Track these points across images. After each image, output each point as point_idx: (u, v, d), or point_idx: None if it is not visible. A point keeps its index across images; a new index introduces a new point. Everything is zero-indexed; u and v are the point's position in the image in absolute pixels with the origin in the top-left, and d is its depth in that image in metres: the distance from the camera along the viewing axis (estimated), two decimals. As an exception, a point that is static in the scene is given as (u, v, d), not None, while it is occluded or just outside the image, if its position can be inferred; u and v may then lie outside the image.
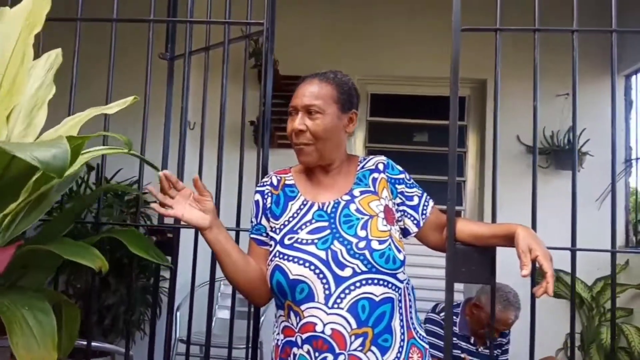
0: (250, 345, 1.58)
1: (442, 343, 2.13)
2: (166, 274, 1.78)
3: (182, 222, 1.22)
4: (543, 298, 1.30)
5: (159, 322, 1.81)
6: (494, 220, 1.40)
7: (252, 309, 1.56)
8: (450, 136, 1.36)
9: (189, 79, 1.66)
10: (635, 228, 3.48)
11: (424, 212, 1.30)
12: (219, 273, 1.66)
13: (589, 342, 3.01)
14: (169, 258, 1.63)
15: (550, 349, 3.10)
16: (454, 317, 2.31)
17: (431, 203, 1.32)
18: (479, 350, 2.36)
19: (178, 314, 2.78)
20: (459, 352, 2.26)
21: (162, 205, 1.19)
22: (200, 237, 1.63)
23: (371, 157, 1.34)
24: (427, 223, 1.30)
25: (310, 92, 1.25)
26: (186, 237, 1.64)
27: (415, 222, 1.29)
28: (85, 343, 1.50)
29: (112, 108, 1.15)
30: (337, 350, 1.12)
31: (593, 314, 3.16)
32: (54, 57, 1.20)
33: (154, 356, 1.65)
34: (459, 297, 3.34)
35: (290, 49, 3.35)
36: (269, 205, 1.29)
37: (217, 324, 3.29)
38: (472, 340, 2.35)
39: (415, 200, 1.30)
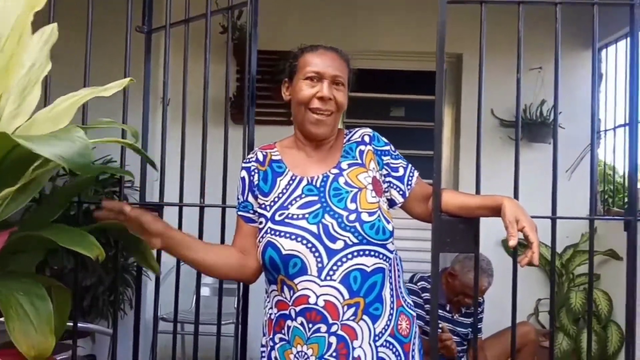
0: (238, 321, 1.60)
1: (421, 310, 2.22)
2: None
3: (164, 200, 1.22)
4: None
5: (135, 302, 1.80)
6: (477, 193, 1.44)
7: (240, 285, 1.58)
8: (436, 109, 1.37)
9: (169, 53, 1.61)
10: (602, 197, 3.63)
11: (409, 182, 1.33)
12: None
13: (559, 306, 3.14)
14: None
15: (521, 314, 3.24)
16: (429, 286, 2.39)
17: (416, 174, 1.35)
18: (454, 317, 2.45)
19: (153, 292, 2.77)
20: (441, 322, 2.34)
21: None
22: (184, 213, 1.65)
23: (357, 129, 1.36)
24: (412, 193, 1.33)
25: (335, 64, 1.26)
26: (170, 214, 1.62)
27: (401, 192, 1.32)
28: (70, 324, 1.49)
29: (109, 90, 1.11)
30: (330, 321, 1.15)
31: (563, 280, 3.30)
32: (49, 32, 1.14)
33: (139, 333, 1.65)
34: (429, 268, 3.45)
35: (266, 23, 3.28)
36: (256, 182, 1.29)
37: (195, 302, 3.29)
38: (447, 308, 2.44)
39: (401, 171, 1.32)
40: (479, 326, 2.49)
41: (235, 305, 3.15)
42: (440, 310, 2.40)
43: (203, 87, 1.62)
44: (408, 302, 1.30)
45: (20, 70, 1.09)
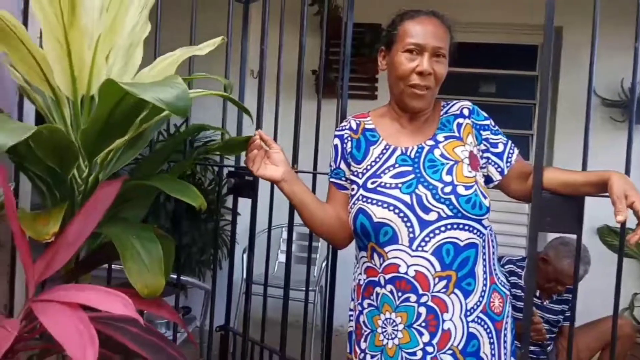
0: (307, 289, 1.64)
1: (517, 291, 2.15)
2: (237, 217, 1.86)
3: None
4: (610, 257, 1.27)
5: (228, 263, 1.92)
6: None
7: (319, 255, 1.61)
8: (541, 83, 1.29)
9: (268, 23, 1.65)
10: None
11: (509, 159, 1.27)
12: (282, 219, 1.76)
13: (657, 302, 2.91)
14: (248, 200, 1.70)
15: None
16: (520, 271, 2.30)
17: (516, 151, 1.28)
18: (544, 303, 2.35)
19: (244, 256, 2.91)
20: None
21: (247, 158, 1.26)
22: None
23: (455, 102, 1.31)
24: (510, 171, 1.27)
25: (438, 34, 1.20)
26: (263, 181, 1.69)
27: (499, 170, 1.27)
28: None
29: (203, 49, 1.17)
30: (420, 291, 1.14)
31: (663, 273, 3.04)
32: None
33: (232, 289, 1.76)
34: (522, 252, 3.32)
35: (355, -5, 3.26)
36: (349, 150, 1.29)
37: (279, 267, 3.43)
38: (537, 294, 2.34)
39: (500, 148, 1.27)
40: (570, 314, 2.37)
41: (315, 274, 3.25)
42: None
43: (298, 59, 1.64)
44: (502, 281, 1.27)
45: (124, 30, 1.16)
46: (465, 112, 1.28)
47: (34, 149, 0.88)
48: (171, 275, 2.19)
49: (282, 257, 3.43)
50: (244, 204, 1.71)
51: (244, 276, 3.04)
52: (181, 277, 1.78)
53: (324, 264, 2.82)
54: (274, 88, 1.69)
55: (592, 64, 1.34)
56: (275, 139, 1.69)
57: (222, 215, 2.84)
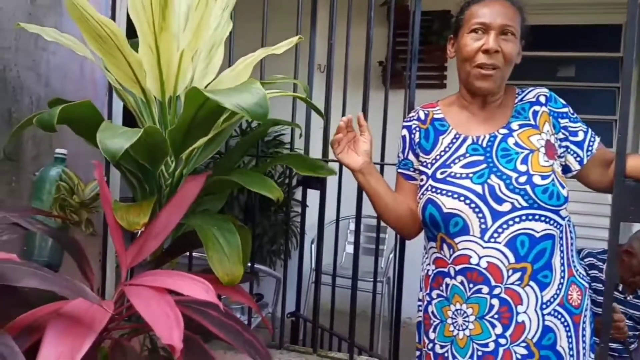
0: (375, 280, 1.65)
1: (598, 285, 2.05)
2: (306, 209, 1.91)
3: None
4: None
5: (298, 253, 1.98)
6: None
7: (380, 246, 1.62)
8: (625, 65, 1.20)
9: (336, 16, 1.67)
10: None
11: (590, 148, 1.22)
12: (349, 211, 1.78)
13: None
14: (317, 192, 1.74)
15: None
16: (601, 264, 2.18)
17: (597, 139, 1.23)
18: (628, 298, 2.21)
19: (312, 246, 2.98)
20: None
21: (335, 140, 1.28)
22: (344, 171, 1.73)
23: (531, 88, 1.26)
24: (590, 161, 1.22)
25: (505, 12, 1.17)
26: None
27: (578, 159, 1.22)
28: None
29: (280, 48, 1.21)
30: (493, 283, 1.13)
31: None
32: None
33: (302, 278, 1.81)
34: (604, 245, 3.12)
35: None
36: (417, 140, 1.29)
37: (346, 258, 3.47)
38: (620, 288, 2.21)
39: (581, 136, 1.22)
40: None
41: (382, 265, 3.26)
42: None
43: (365, 51, 1.65)
44: (580, 273, 1.22)
45: (208, 31, 1.21)
46: (542, 99, 1.24)
47: (129, 147, 0.96)
48: (261, 267, 2.31)
49: (350, 248, 3.47)
50: (313, 196, 1.75)
51: (313, 266, 3.13)
52: (254, 266, 1.86)
53: (391, 255, 2.82)
54: (341, 81, 1.72)
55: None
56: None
57: (292, 207, 2.92)
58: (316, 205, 1.74)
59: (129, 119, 1.36)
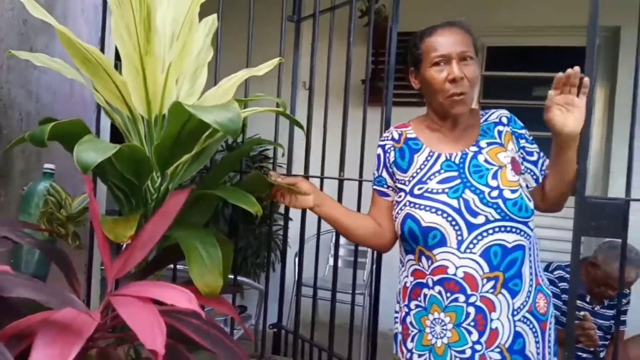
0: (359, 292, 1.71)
1: (557, 301, 2.13)
2: (289, 222, 1.96)
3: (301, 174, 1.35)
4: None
5: (279, 265, 2.03)
6: (628, 180, 1.33)
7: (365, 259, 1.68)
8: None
9: (317, 40, 1.75)
10: None
11: (542, 168, 1.32)
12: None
13: None
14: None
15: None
16: (567, 275, 2.28)
17: (547, 161, 1.33)
18: (595, 309, 2.30)
19: (296, 259, 3.02)
20: (576, 311, 2.23)
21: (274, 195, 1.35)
22: (324, 187, 1.80)
23: (493, 110, 1.36)
24: (543, 179, 1.32)
25: (460, 40, 1.24)
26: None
27: (534, 177, 1.32)
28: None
29: (261, 70, 1.28)
30: (469, 292, 1.20)
31: None
32: (210, 22, 1.34)
33: (284, 290, 1.86)
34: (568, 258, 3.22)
35: (403, 5, 3.30)
36: (392, 159, 1.36)
37: (329, 271, 3.52)
38: (587, 299, 2.30)
39: (535, 156, 1.32)
40: (623, 319, 2.31)
41: (365, 278, 3.32)
42: (579, 301, 2.28)
43: (345, 70, 1.73)
44: (545, 282, 1.31)
45: (191, 55, 1.28)
46: (504, 120, 1.33)
47: (115, 163, 1.01)
48: (229, 276, 2.35)
49: (333, 261, 3.52)
50: (297, 210, 1.81)
51: (296, 278, 3.18)
52: (238, 278, 1.90)
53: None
54: (328, 99, 1.79)
55: (638, 73, 1.34)
56: (324, 146, 1.80)
57: (275, 221, 2.97)
58: (300, 219, 1.81)
59: (118, 137, 1.41)
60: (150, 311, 0.95)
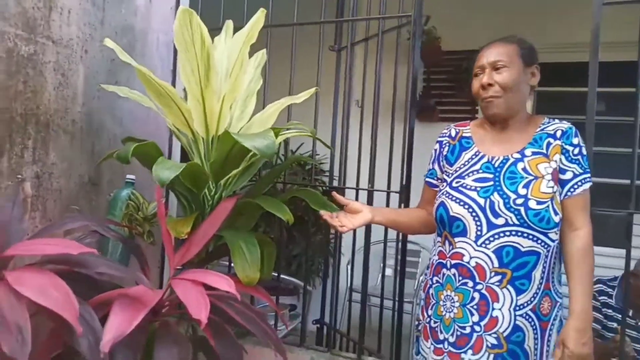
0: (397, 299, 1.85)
1: (597, 314, 2.14)
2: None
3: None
4: None
5: (335, 272, 2.20)
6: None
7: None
8: (588, 106, 1.40)
9: (352, 66, 1.97)
10: None
11: (571, 190, 1.33)
12: (390, 234, 1.92)
13: None
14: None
15: None
16: (611, 290, 2.26)
17: (583, 187, 1.33)
18: (639, 323, 2.27)
19: (348, 267, 3.21)
20: (616, 324, 2.22)
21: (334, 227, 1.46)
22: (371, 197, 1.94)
23: (556, 121, 1.40)
24: (566, 202, 1.34)
25: (496, 51, 1.39)
26: (352, 196, 1.95)
27: (559, 194, 1.35)
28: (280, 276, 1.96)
29: (300, 97, 1.52)
30: (477, 280, 1.34)
31: None
32: (260, 56, 1.62)
33: (336, 296, 2.05)
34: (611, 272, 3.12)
35: (451, 24, 3.44)
36: (444, 153, 1.52)
37: (382, 280, 3.66)
38: (630, 313, 2.27)
39: (568, 176, 1.34)
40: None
41: (415, 287, 3.43)
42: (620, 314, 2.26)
43: (393, 88, 1.87)
44: (556, 288, 1.39)
45: (242, 86, 1.55)
46: (558, 133, 1.37)
47: (180, 176, 1.29)
48: (287, 277, 2.59)
49: (387, 271, 3.66)
50: None
51: (348, 285, 3.37)
52: (288, 278, 2.13)
53: (422, 277, 3.00)
54: (380, 114, 1.91)
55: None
56: (374, 159, 1.92)
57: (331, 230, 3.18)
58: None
59: (183, 152, 1.70)
60: (198, 291, 1.20)
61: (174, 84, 1.97)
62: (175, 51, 1.96)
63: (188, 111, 1.46)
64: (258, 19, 1.46)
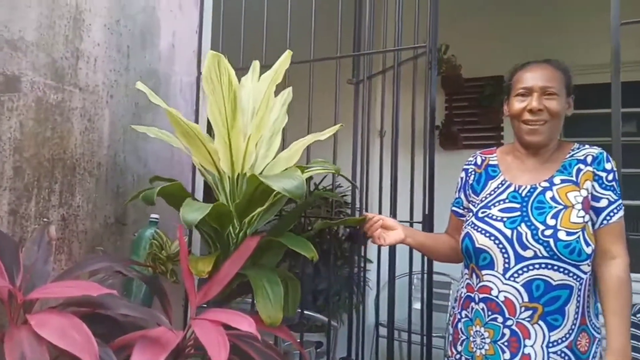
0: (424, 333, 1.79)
1: (638, 343, 2.02)
2: (368, 265, 2.11)
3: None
4: None
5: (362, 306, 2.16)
6: None
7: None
8: (613, 122, 1.37)
9: (370, 99, 1.98)
10: None
11: (607, 218, 1.29)
12: (416, 266, 1.87)
13: None
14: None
15: None
16: None
17: (618, 214, 1.29)
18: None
19: (375, 301, 3.14)
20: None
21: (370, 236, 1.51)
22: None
23: (587, 146, 1.37)
24: (600, 231, 1.29)
25: (546, 75, 1.34)
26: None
27: (592, 223, 1.30)
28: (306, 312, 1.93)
29: (325, 134, 1.53)
30: (507, 315, 1.28)
31: None
32: (286, 94, 1.65)
33: (362, 332, 2.00)
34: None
35: (471, 52, 3.44)
36: (470, 182, 1.48)
37: (412, 313, 3.56)
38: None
39: (603, 203, 1.29)
40: None
41: (447, 321, 3.32)
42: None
43: (411, 117, 1.85)
44: (594, 323, 1.32)
45: (267, 125, 1.58)
46: (589, 159, 1.33)
47: (206, 216, 1.30)
48: (312, 314, 2.55)
49: (417, 304, 3.56)
50: (383, 251, 1.92)
51: (377, 320, 3.29)
52: (313, 315, 2.10)
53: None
54: (400, 144, 1.90)
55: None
56: (395, 189, 1.91)
57: (355, 264, 3.14)
58: (383, 260, 1.92)
59: (207, 189, 1.72)
60: (218, 332, 1.19)
61: (196, 122, 2.02)
62: (198, 92, 2.01)
63: (214, 151, 1.49)
64: (285, 60, 1.50)
